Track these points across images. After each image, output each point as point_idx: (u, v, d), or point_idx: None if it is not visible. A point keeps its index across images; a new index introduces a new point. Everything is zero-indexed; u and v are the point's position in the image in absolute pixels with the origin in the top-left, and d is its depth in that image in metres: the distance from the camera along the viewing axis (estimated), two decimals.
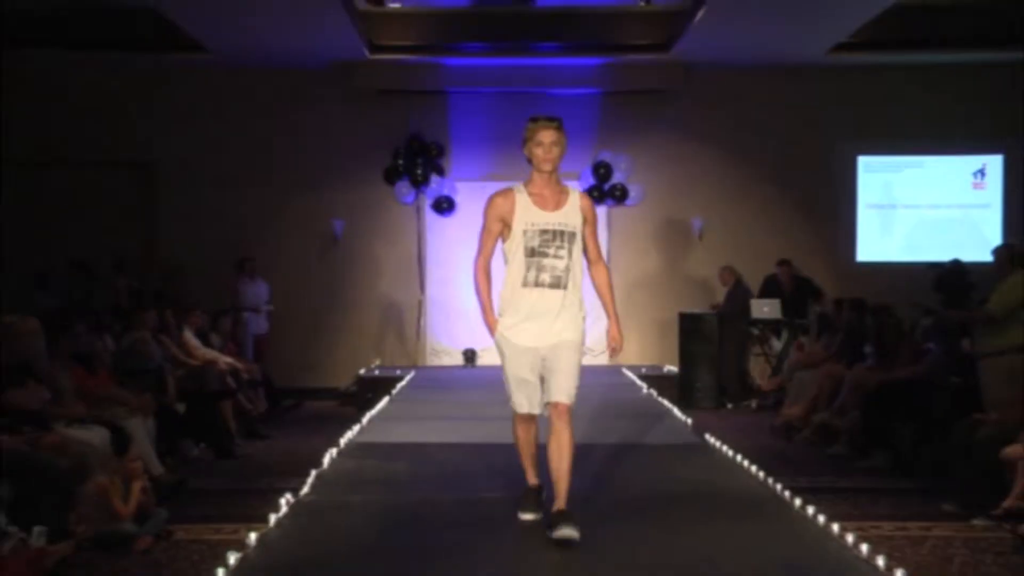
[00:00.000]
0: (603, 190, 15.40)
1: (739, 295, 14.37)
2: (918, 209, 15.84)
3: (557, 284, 6.10)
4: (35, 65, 14.74)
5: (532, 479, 6.42)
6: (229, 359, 11.90)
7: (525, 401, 6.21)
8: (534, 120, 6.18)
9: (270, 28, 13.37)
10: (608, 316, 6.35)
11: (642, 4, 12.73)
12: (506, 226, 6.17)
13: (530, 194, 6.17)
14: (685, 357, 13.87)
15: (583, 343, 6.24)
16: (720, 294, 14.82)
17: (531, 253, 6.10)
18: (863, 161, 15.82)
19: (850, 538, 6.03)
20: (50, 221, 15.08)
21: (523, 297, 6.13)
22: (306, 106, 15.44)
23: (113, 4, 13.47)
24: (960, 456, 8.16)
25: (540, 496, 6.36)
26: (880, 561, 5.56)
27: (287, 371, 14.72)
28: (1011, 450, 7.47)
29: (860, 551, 5.80)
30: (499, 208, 6.17)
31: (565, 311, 6.14)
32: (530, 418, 6.30)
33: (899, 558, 5.75)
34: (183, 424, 10.14)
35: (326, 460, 8.28)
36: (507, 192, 6.22)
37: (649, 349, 15.29)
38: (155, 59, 14.86)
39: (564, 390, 6.08)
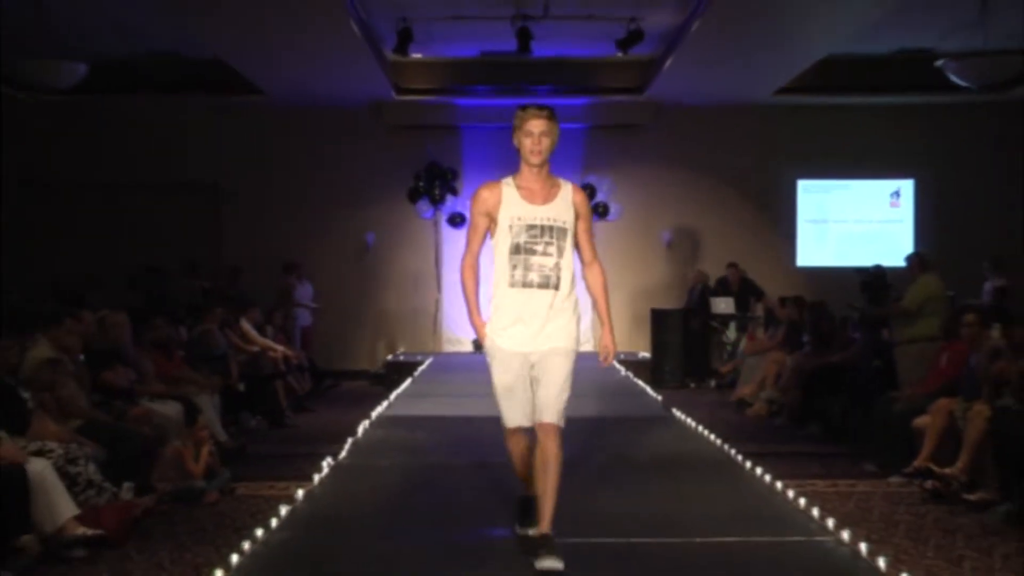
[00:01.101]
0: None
1: (703, 293, 14.39)
2: (846, 223, 15.85)
3: (547, 284, 4.81)
4: (124, 105, 14.77)
5: (531, 488, 4.99)
6: (280, 347, 11.88)
7: (514, 413, 4.92)
8: (523, 108, 4.94)
9: (315, 74, 13.38)
10: (602, 323, 5.09)
11: (620, 54, 12.72)
12: (492, 221, 4.93)
13: (518, 187, 4.92)
14: (656, 345, 13.90)
15: (576, 350, 4.98)
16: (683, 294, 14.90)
17: (516, 250, 4.82)
18: (801, 184, 15.80)
19: (791, 493, 6.04)
20: (135, 233, 15.04)
21: (510, 298, 4.86)
22: (344, 138, 15.43)
23: (187, 54, 13.48)
24: (879, 426, 8.21)
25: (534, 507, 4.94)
26: (815, 512, 5.57)
27: (328, 356, 14.75)
28: (920, 420, 7.52)
29: (799, 504, 5.81)
30: (484, 202, 4.93)
31: (556, 314, 4.86)
32: (522, 432, 4.96)
33: (830, 509, 5.75)
34: (243, 400, 10.19)
35: (360, 430, 8.30)
36: (493, 185, 4.98)
37: (626, 339, 15.25)
38: (220, 99, 14.88)
39: (552, 407, 4.81)
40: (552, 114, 4.90)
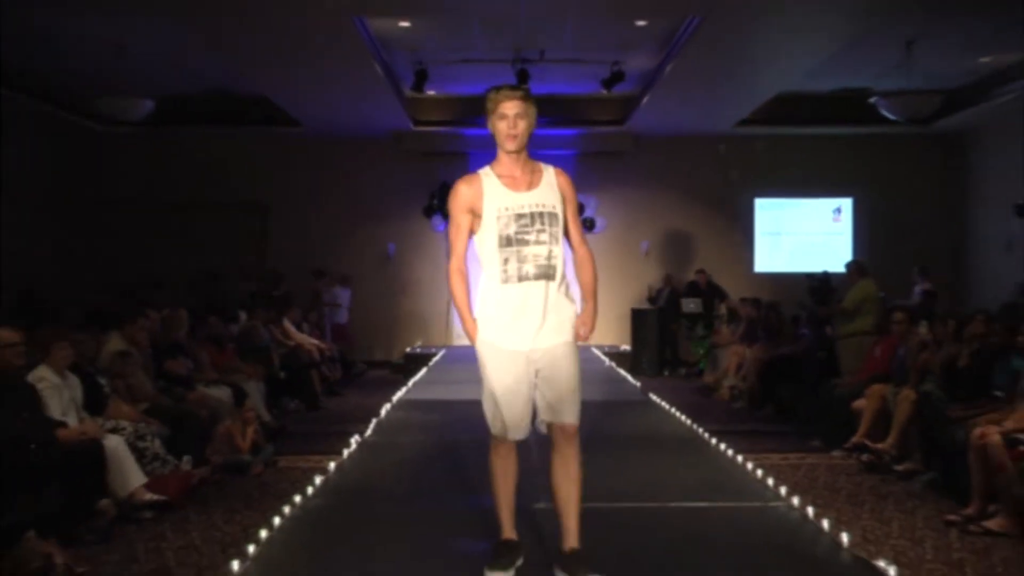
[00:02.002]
0: None
1: (672, 295, 14.41)
2: (796, 235, 15.83)
3: (544, 274, 3.82)
4: (185, 136, 14.79)
5: (509, 531, 3.95)
6: (315, 341, 11.90)
7: (509, 423, 3.85)
8: (496, 90, 3.89)
9: (344, 109, 13.39)
10: (586, 300, 4.04)
11: (605, 92, 12.75)
12: (476, 216, 3.86)
13: (499, 176, 3.89)
14: (635, 340, 13.90)
15: (578, 350, 3.99)
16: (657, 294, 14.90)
17: (507, 242, 3.80)
18: (759, 202, 15.80)
19: (749, 465, 6.03)
20: (193, 243, 15.07)
21: (505, 296, 3.82)
22: (369, 163, 15.44)
23: (238, 92, 13.53)
24: (823, 408, 8.22)
25: (517, 553, 3.92)
26: (770, 481, 5.57)
27: (356, 348, 14.75)
28: (858, 403, 7.55)
29: (756, 474, 5.81)
30: (465, 197, 3.86)
31: (556, 307, 3.86)
32: (512, 447, 3.94)
33: (782, 478, 5.76)
34: (283, 386, 10.18)
35: (383, 412, 8.30)
36: (471, 178, 3.92)
37: (610, 334, 15.24)
38: (265, 130, 14.86)
39: (569, 408, 3.85)
40: (528, 94, 3.90)
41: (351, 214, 15.52)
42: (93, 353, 6.75)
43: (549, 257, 3.84)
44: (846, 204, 15.80)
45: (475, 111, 14.70)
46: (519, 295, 3.83)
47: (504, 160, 3.93)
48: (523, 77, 11.70)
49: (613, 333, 15.19)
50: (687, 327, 14.23)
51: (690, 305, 14.08)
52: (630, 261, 15.63)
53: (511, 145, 3.86)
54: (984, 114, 13.57)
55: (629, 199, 15.61)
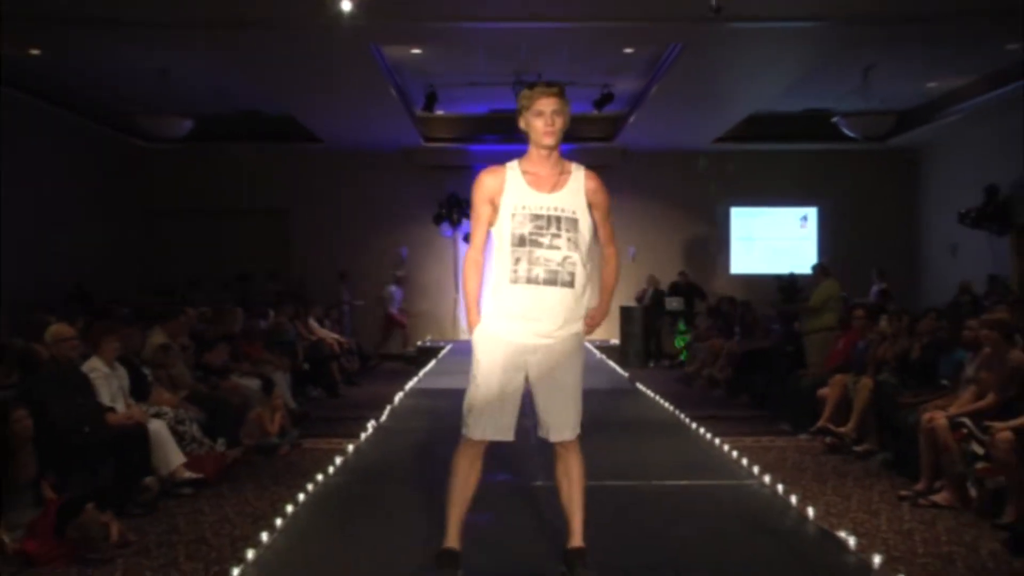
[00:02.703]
0: None
1: (656, 294, 14.40)
2: (768, 240, 15.81)
3: (554, 280, 3.32)
4: (220, 151, 14.73)
5: (453, 539, 3.43)
6: (335, 336, 11.88)
7: (488, 421, 3.36)
8: (531, 87, 3.46)
9: (362, 127, 13.36)
10: (600, 296, 3.60)
11: (596, 111, 12.73)
12: (495, 209, 3.42)
13: (524, 172, 3.43)
14: (623, 334, 13.86)
15: (584, 352, 3.55)
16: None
17: (520, 241, 3.33)
18: (734, 210, 15.78)
19: (726, 447, 6.04)
20: (227, 248, 15.05)
21: (512, 296, 3.34)
22: (384, 175, 15.40)
23: (267, 112, 13.53)
24: (792, 396, 8.20)
25: (458, 564, 3.41)
26: (744, 461, 5.57)
27: (372, 342, 14.72)
28: (822, 392, 7.54)
29: (732, 455, 5.81)
30: (487, 188, 3.43)
31: (564, 313, 3.36)
32: (480, 452, 3.43)
33: (755, 459, 5.76)
34: (307, 376, 10.15)
35: (396, 399, 8.30)
36: (497, 169, 3.47)
37: (600, 329, 15.10)
38: (291, 146, 14.82)
39: (570, 424, 3.46)
40: (563, 91, 3.44)
41: (367, 221, 15.49)
42: (138, 346, 6.74)
43: (563, 263, 3.33)
44: (812, 212, 15.78)
45: (479, 129, 14.73)
46: (527, 297, 3.33)
47: (534, 156, 3.45)
48: None
49: (603, 328, 15.12)
50: (670, 323, 14.23)
51: (673, 303, 14.08)
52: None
53: (549, 140, 3.38)
54: (933, 132, 13.59)
55: (617, 208, 15.12)
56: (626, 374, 10.59)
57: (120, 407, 5.76)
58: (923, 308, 8.04)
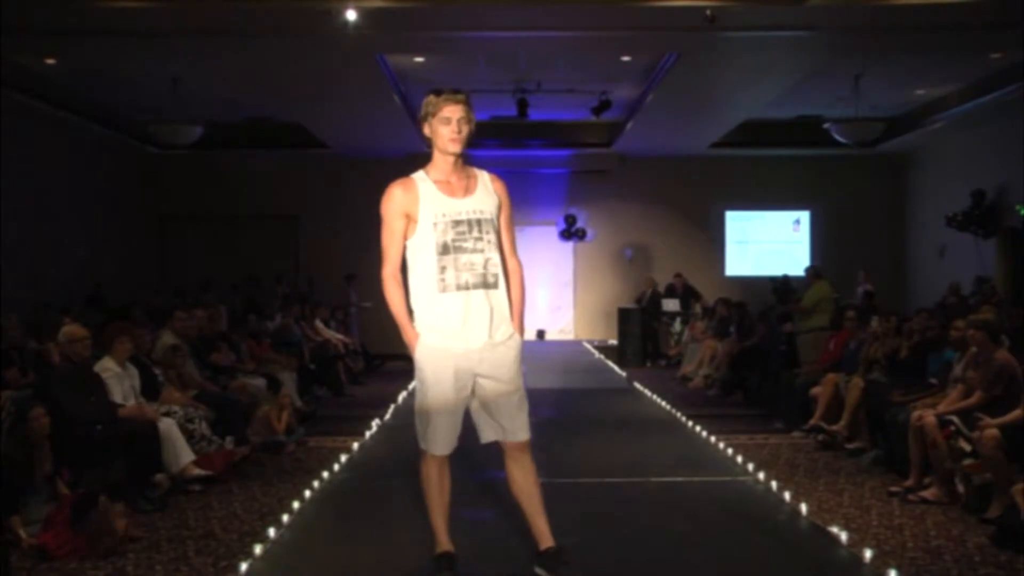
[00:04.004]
0: (571, 231, 15.46)
1: (653, 296, 14.38)
2: (761, 243, 15.81)
3: (481, 283, 3.26)
4: (230, 157, 14.72)
5: (445, 543, 3.43)
6: (341, 336, 11.85)
7: (448, 437, 3.35)
8: (436, 94, 3.36)
9: (367, 133, 13.37)
10: (512, 317, 3.37)
11: (594, 118, 12.73)
12: (411, 221, 3.34)
13: (434, 181, 3.36)
14: (621, 335, 13.79)
15: (521, 352, 3.38)
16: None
17: (444, 249, 3.26)
18: (729, 214, 15.77)
19: (721, 445, 6.03)
20: (236, 251, 15.04)
21: (444, 306, 3.26)
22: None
23: (275, 120, 13.55)
24: (785, 394, 8.17)
25: (455, 566, 3.40)
26: (739, 458, 5.56)
27: (377, 342, 14.68)
28: (815, 390, 7.50)
29: (727, 453, 5.80)
30: (400, 201, 3.35)
31: (497, 315, 3.29)
32: (445, 461, 3.42)
33: (750, 456, 5.75)
34: (313, 376, 10.11)
35: (400, 398, 8.28)
36: (406, 181, 3.39)
37: (599, 330, 15.26)
38: (298, 153, 14.83)
39: (522, 425, 3.36)
40: (468, 99, 3.36)
41: (373, 225, 15.20)
42: (149, 346, 6.73)
43: (486, 265, 3.27)
44: (804, 216, 15.77)
45: (480, 135, 14.49)
46: (459, 304, 3.25)
47: (440, 165, 3.37)
48: (523, 105, 11.68)
49: (602, 329, 15.20)
50: (667, 324, 14.22)
51: (669, 304, 14.07)
52: (616, 266, 15.64)
53: (455, 147, 3.31)
54: (921, 138, 13.59)
55: (615, 212, 15.58)
56: (624, 374, 10.57)
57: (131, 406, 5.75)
58: (912, 309, 8.03)
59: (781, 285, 12.59)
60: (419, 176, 3.39)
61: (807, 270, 9.97)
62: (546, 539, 3.36)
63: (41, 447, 4.70)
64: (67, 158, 12.75)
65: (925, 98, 12.38)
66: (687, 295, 14.19)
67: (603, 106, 12.12)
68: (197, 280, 13.52)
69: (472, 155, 12.65)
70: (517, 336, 3.37)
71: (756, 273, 15.08)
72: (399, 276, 3.37)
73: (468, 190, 3.35)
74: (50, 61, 10.07)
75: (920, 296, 13.53)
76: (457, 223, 3.28)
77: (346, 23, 7.71)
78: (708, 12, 7.56)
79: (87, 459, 5.01)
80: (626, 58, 10.52)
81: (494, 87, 11.74)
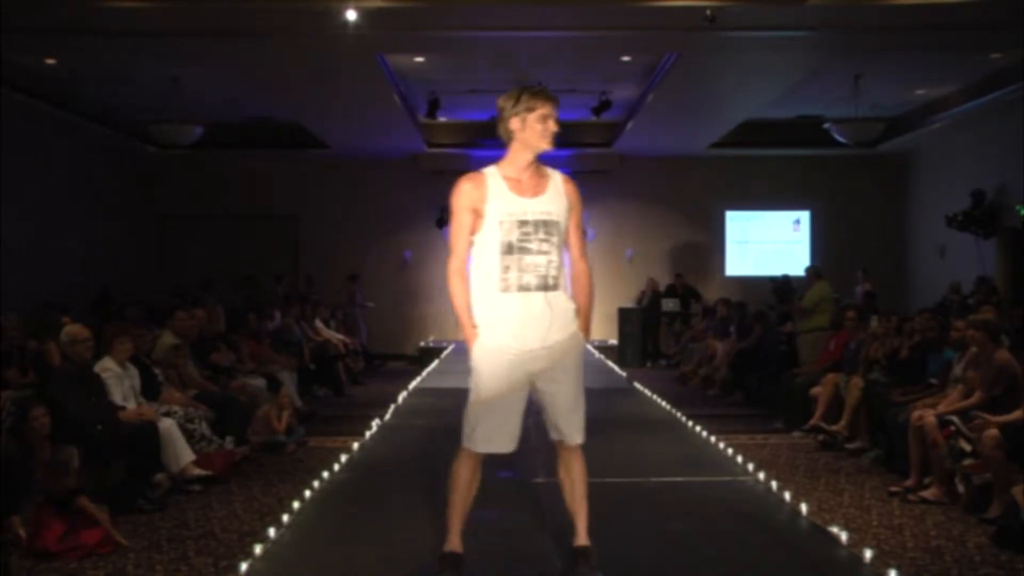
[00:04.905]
0: None
1: (653, 296, 14.39)
2: (761, 244, 15.76)
3: (544, 285, 3.22)
4: (230, 157, 14.70)
5: (455, 543, 3.34)
6: (341, 336, 11.86)
7: (491, 435, 3.25)
8: (531, 91, 3.30)
9: (367, 133, 13.35)
10: (578, 317, 3.37)
11: (594, 118, 12.73)
12: (478, 217, 3.24)
13: (505, 178, 3.26)
14: (621, 335, 13.82)
15: (583, 354, 3.40)
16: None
17: (509, 249, 3.20)
18: (729, 214, 15.72)
19: (721, 445, 6.02)
20: (237, 250, 15.01)
21: (503, 306, 3.22)
22: (388, 180, 15.38)
23: (275, 119, 13.54)
24: (785, 394, 8.18)
25: (461, 567, 3.33)
26: (739, 458, 5.55)
27: (377, 342, 14.71)
28: (815, 390, 7.52)
29: (727, 453, 5.79)
30: (469, 196, 3.25)
31: (560, 318, 3.26)
32: (480, 461, 3.33)
33: (750, 456, 5.75)
34: (313, 375, 10.15)
35: (400, 398, 8.28)
36: (477, 176, 3.28)
37: (599, 330, 15.21)
38: (298, 153, 14.80)
39: (577, 427, 3.36)
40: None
41: (372, 225, 15.47)
42: (149, 347, 6.73)
43: (548, 267, 3.23)
44: (804, 216, 15.72)
45: (481, 135, 14.70)
46: (519, 304, 3.21)
47: (517, 161, 3.28)
48: None
49: (602, 329, 15.18)
50: (667, 324, 14.22)
51: (669, 304, 14.08)
52: (617, 266, 15.61)
53: (547, 145, 3.27)
54: (920, 138, 13.58)
55: (615, 212, 15.56)
56: (624, 373, 10.57)
57: (131, 406, 5.75)
58: (912, 308, 8.03)
59: (781, 285, 12.57)
60: (490, 171, 3.30)
61: (807, 270, 9.97)
62: (580, 538, 3.38)
63: (42, 447, 4.70)
64: (67, 158, 12.75)
65: (925, 98, 12.38)
66: (687, 295, 14.20)
67: (603, 106, 12.11)
68: (197, 280, 13.52)
69: (472, 155, 12.59)
70: (579, 337, 3.33)
71: (756, 273, 15.06)
72: (465, 271, 3.30)
73: (538, 190, 3.28)
74: (50, 61, 10.07)
75: (920, 296, 13.53)
76: (523, 223, 3.22)
77: (346, 23, 7.71)
78: (708, 12, 7.56)
79: (87, 460, 5.00)
80: (626, 58, 10.52)
81: (494, 87, 11.73)
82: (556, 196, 3.30)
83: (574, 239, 3.38)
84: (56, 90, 11.06)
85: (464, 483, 3.33)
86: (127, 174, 14.58)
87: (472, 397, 3.28)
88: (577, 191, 3.37)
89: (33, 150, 11.56)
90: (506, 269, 3.22)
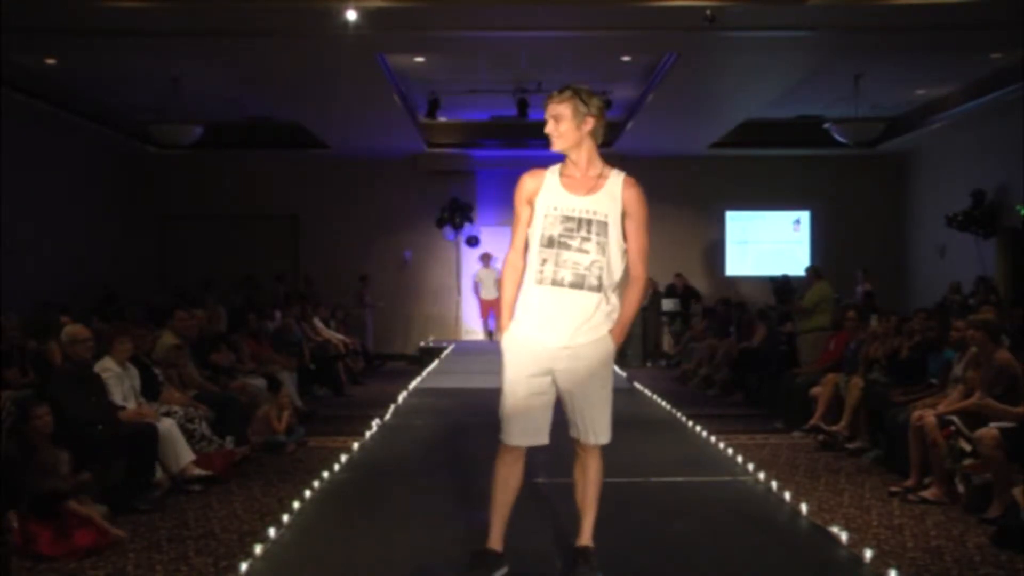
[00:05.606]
0: None
1: (653, 296, 14.38)
2: (761, 243, 15.74)
3: (580, 284, 3.17)
4: (230, 157, 14.70)
5: (496, 542, 3.30)
6: (341, 336, 11.85)
7: (525, 427, 3.25)
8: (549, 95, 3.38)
9: (367, 134, 13.34)
10: (617, 323, 3.30)
11: None
12: (533, 210, 3.30)
13: (562, 175, 3.32)
14: None
15: (613, 359, 3.34)
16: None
17: (549, 243, 3.21)
18: (729, 214, 15.70)
19: (721, 445, 6.01)
20: (237, 250, 14.99)
21: (535, 297, 3.22)
22: (388, 181, 15.36)
23: (275, 120, 13.54)
24: (785, 394, 8.18)
25: (497, 565, 3.27)
26: (739, 458, 5.55)
27: (377, 342, 14.69)
28: (815, 390, 7.51)
29: (727, 453, 5.79)
30: (526, 190, 3.32)
31: (589, 321, 3.21)
32: (519, 456, 3.32)
33: (750, 456, 5.75)
34: (313, 375, 10.14)
35: (400, 398, 8.26)
36: (538, 172, 3.36)
37: None
38: (298, 153, 14.80)
39: (599, 428, 3.31)
40: (570, 94, 3.31)
41: (372, 225, 15.46)
42: (149, 346, 6.73)
43: (590, 267, 3.18)
44: (804, 216, 15.70)
45: (481, 135, 14.72)
46: (547, 298, 3.19)
47: (573, 158, 3.33)
48: (523, 105, 11.68)
49: None
50: (668, 324, 14.21)
51: (669, 305, 14.07)
52: None
53: (555, 145, 3.31)
54: (921, 138, 13.58)
55: None
56: (624, 373, 10.56)
57: (131, 406, 5.75)
58: (912, 308, 8.03)
59: (781, 285, 12.58)
60: (552, 168, 3.37)
61: (807, 270, 9.97)
62: (583, 538, 3.38)
63: (44, 446, 4.70)
64: (67, 158, 12.75)
65: (925, 98, 12.38)
66: (687, 295, 14.19)
67: (603, 106, 12.12)
68: (197, 280, 13.52)
69: (472, 155, 12.54)
70: (608, 341, 3.26)
71: (756, 273, 15.06)
72: (518, 263, 3.33)
73: (592, 189, 3.28)
74: (50, 61, 10.07)
75: (920, 296, 13.53)
76: (567, 219, 3.22)
77: (346, 23, 7.71)
78: (708, 12, 7.56)
79: (87, 460, 4.99)
80: (626, 58, 10.52)
81: (494, 87, 11.73)
82: (608, 197, 3.28)
83: (632, 243, 3.31)
84: (56, 90, 11.06)
85: (502, 479, 3.30)
86: (127, 174, 14.58)
87: (506, 387, 3.29)
88: (638, 196, 3.32)
89: (33, 150, 11.55)
90: (543, 262, 3.22)
